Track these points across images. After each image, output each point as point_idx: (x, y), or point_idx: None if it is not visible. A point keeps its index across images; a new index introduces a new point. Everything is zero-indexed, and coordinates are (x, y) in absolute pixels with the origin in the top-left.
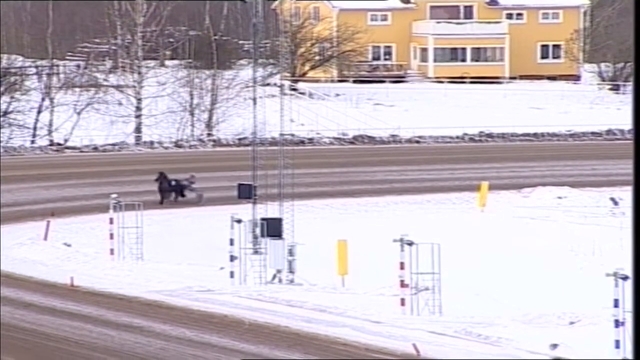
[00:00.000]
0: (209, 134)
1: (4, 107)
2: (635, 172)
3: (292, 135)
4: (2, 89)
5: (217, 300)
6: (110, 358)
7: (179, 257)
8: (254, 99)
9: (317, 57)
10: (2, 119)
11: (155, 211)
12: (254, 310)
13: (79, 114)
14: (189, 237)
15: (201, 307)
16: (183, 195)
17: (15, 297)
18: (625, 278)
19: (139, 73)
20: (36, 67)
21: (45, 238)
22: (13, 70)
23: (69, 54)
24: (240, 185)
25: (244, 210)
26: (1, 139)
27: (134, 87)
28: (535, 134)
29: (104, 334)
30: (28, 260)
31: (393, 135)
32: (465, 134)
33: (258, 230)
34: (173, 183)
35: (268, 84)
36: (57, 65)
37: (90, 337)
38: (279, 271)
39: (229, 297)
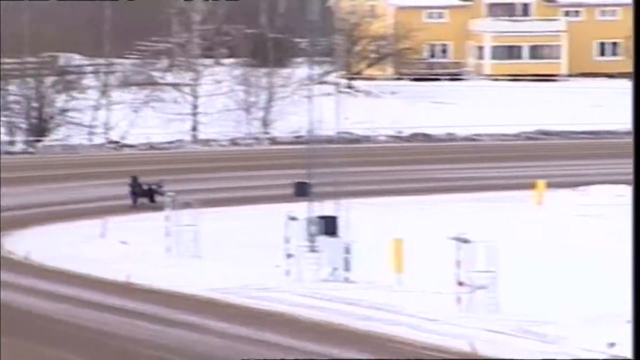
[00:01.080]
0: (265, 132)
1: (61, 105)
2: (635, 172)
3: (348, 133)
4: (60, 87)
5: (273, 298)
6: (167, 355)
7: (235, 254)
8: (310, 97)
9: (373, 55)
10: (60, 117)
11: (210, 209)
12: (310, 308)
13: (135, 112)
14: (244, 235)
15: (258, 305)
16: (153, 201)
17: (73, 295)
18: None
19: (196, 71)
20: (93, 65)
21: (103, 235)
22: (70, 69)
23: (126, 52)
24: (297, 183)
25: (300, 208)
26: (59, 137)
27: (191, 85)
28: (593, 132)
29: (162, 332)
30: (86, 258)
31: (449, 133)
32: (522, 132)
33: (314, 228)
34: (145, 187)
35: (324, 82)
36: (114, 64)
37: (147, 334)
38: (334, 269)
39: (286, 295)
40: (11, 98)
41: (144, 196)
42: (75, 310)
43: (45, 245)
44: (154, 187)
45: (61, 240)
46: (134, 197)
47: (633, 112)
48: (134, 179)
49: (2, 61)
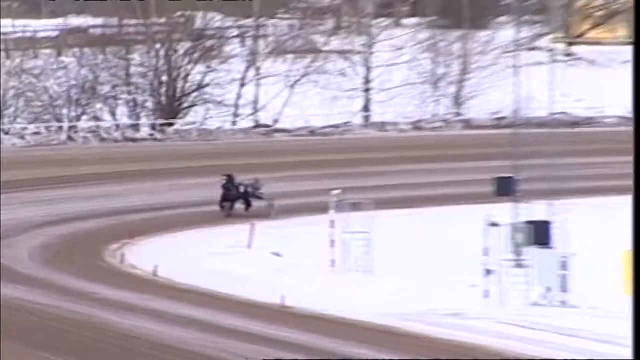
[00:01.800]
0: (457, 113)
1: (198, 78)
2: (635, 172)
3: (565, 113)
4: (196, 56)
5: (467, 326)
6: None
7: (418, 270)
8: (516, 68)
9: (599, 13)
10: (195, 94)
11: (385, 212)
12: (517, 340)
13: (291, 87)
14: (430, 245)
15: (447, 336)
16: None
17: (212, 321)
18: None
19: (369, 35)
20: (238, 28)
21: (249, 246)
22: (210, 33)
23: (280, 11)
24: (498, 178)
25: (502, 211)
26: (194, 119)
27: (362, 53)
28: None
29: None
30: (228, 273)
31: None
32: None
33: (520, 237)
34: (241, 189)
35: (534, 48)
36: (265, 26)
37: None
38: (548, 289)
39: (483, 323)
40: (134, 70)
41: (237, 200)
42: (217, 341)
43: (178, 257)
44: (249, 188)
45: (198, 251)
46: (228, 203)
47: (633, 113)
48: (229, 178)
49: (123, 23)
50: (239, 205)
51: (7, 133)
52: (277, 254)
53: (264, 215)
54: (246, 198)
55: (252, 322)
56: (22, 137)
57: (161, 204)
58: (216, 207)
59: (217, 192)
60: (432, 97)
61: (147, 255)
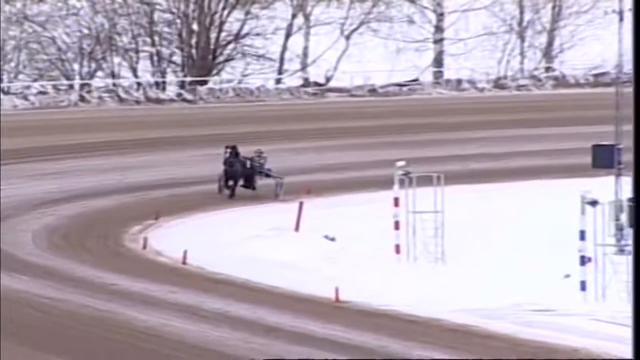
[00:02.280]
0: (547, 68)
1: (235, 27)
2: (635, 171)
3: None
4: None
5: (560, 325)
6: None
7: (498, 257)
8: (621, 13)
9: None
10: (232, 46)
11: (458, 188)
12: (619, 342)
13: (347, 38)
14: (512, 228)
15: (536, 336)
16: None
17: (253, 318)
18: None
19: None
20: None
21: (297, 228)
22: None
23: None
24: (595, 147)
25: (602, 186)
26: (231, 77)
27: None
28: None
29: None
30: (271, 261)
31: None
32: None
33: (624, 218)
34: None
35: None
36: None
37: None
38: None
39: (579, 321)
40: (159, 16)
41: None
42: (257, 342)
43: (211, 242)
44: (256, 164)
45: (236, 234)
46: (232, 182)
47: (634, 112)
48: (234, 150)
49: None
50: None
51: (7, 93)
52: (330, 238)
53: (272, 196)
54: (252, 175)
55: (300, 320)
56: (25, 97)
57: (192, 178)
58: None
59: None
60: (518, 49)
61: (174, 239)
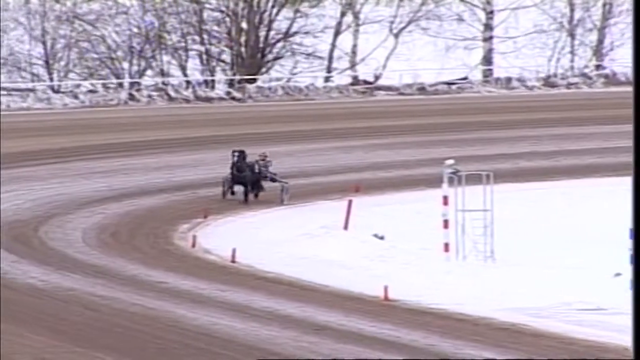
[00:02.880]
0: (597, 66)
1: (284, 26)
2: (635, 170)
3: None
4: None
5: (610, 323)
6: None
7: (548, 256)
8: None
9: None
10: (281, 44)
11: (508, 186)
12: None
13: (396, 36)
14: (562, 226)
15: (586, 335)
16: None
17: (302, 316)
18: None
19: None
20: None
21: (346, 226)
22: None
23: None
24: None
25: None
26: (280, 75)
27: None
28: None
29: None
30: (321, 259)
31: None
32: None
33: None
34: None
35: None
36: None
37: None
38: None
39: (630, 320)
40: (208, 15)
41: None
42: (306, 340)
43: (261, 240)
44: (262, 168)
45: (286, 232)
46: (240, 188)
47: (634, 112)
48: (242, 154)
49: None
50: (237, 189)
51: (57, 91)
52: (379, 237)
53: (277, 201)
54: (259, 180)
55: (349, 318)
56: (75, 96)
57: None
58: (308, 180)
59: (311, 162)
60: (568, 46)
61: (223, 237)
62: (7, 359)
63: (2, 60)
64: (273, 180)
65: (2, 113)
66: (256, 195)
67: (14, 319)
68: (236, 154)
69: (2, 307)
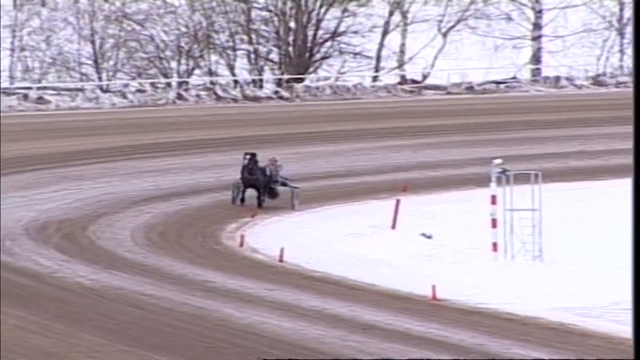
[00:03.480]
0: None
1: (332, 25)
2: (635, 169)
3: None
4: None
5: None
6: None
7: (597, 255)
8: None
9: None
10: (329, 43)
11: (556, 185)
12: None
13: (445, 35)
14: (611, 226)
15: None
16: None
17: (350, 316)
18: None
19: None
20: None
21: (394, 226)
22: None
23: None
24: None
25: None
26: (328, 74)
27: None
28: None
29: None
30: (368, 259)
31: None
32: None
33: None
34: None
35: None
36: None
37: None
38: None
39: None
40: (256, 14)
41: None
42: (353, 339)
43: (308, 240)
44: (274, 172)
45: (333, 232)
46: (243, 192)
47: (634, 112)
48: (253, 158)
49: None
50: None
51: (106, 91)
52: (427, 236)
53: (288, 206)
54: (269, 184)
55: (397, 317)
56: (123, 95)
57: (289, 175)
58: (356, 179)
59: (358, 161)
60: (618, 45)
61: (271, 237)
62: (57, 357)
63: (51, 60)
64: (284, 184)
65: (51, 112)
66: (259, 205)
67: (63, 318)
68: (248, 156)
69: (52, 306)
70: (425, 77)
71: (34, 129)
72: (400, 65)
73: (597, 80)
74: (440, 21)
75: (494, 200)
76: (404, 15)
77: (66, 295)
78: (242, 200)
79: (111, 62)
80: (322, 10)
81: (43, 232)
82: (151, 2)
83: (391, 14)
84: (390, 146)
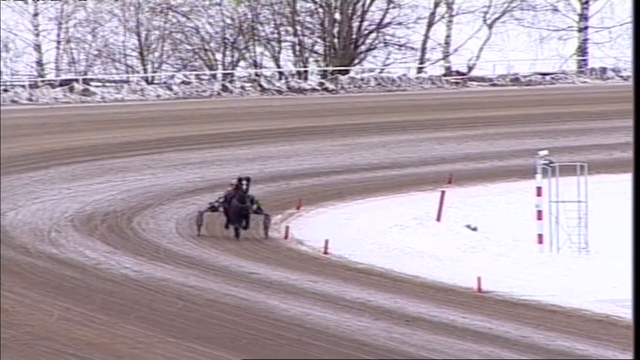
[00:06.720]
0: None
1: (377, 17)
2: (635, 169)
3: None
4: None
5: None
6: None
7: None
8: None
9: None
10: (374, 35)
11: (603, 177)
12: None
13: (490, 26)
14: None
15: None
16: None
17: (394, 307)
18: None
19: None
20: None
21: (439, 218)
22: None
23: None
24: None
25: None
26: (373, 66)
27: None
28: None
29: None
30: (413, 251)
31: None
32: None
33: None
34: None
35: None
36: None
37: None
38: None
39: None
40: (301, 6)
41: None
42: (397, 331)
43: (353, 232)
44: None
45: (378, 224)
46: (242, 221)
47: (634, 112)
48: (248, 182)
49: None
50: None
51: (151, 82)
52: (472, 228)
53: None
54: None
55: (442, 309)
56: (169, 87)
57: (334, 167)
58: (401, 171)
59: (403, 153)
60: None
61: (316, 228)
62: (102, 348)
63: (96, 52)
64: (258, 212)
65: (96, 104)
66: (237, 236)
67: (108, 309)
68: (244, 182)
69: (97, 297)
70: (470, 68)
71: (79, 120)
72: (445, 56)
73: None
74: (486, 12)
75: (539, 192)
76: (450, 6)
77: (111, 286)
78: (237, 236)
79: (156, 54)
80: (367, 1)
81: (88, 224)
82: None
83: (436, 5)
84: (435, 138)
